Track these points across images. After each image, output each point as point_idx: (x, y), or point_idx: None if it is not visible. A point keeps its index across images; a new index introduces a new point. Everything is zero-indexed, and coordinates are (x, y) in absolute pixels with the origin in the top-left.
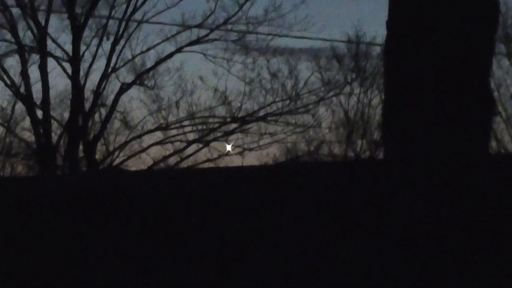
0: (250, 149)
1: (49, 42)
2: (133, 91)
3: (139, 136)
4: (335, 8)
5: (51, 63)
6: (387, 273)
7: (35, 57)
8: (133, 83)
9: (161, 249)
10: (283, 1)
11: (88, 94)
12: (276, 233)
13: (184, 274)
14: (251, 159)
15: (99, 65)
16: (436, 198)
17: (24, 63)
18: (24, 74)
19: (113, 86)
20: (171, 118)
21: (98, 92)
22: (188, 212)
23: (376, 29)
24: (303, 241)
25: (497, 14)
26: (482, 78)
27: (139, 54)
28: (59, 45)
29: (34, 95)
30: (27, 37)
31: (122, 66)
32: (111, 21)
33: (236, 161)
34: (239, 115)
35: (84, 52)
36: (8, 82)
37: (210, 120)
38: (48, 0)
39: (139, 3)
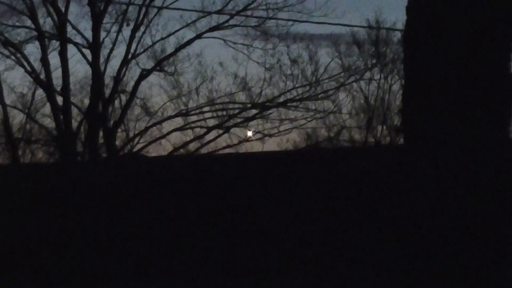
0: (270, 135)
1: (69, 28)
2: (153, 78)
3: (159, 122)
4: None
5: (71, 49)
6: (403, 255)
7: (55, 44)
8: (153, 69)
9: (182, 234)
10: None
11: (108, 80)
12: (297, 217)
13: (200, 256)
14: (271, 145)
15: (119, 52)
16: (456, 183)
17: (44, 49)
18: (44, 60)
19: (133, 72)
20: (191, 104)
21: (118, 79)
22: (208, 197)
23: (396, 14)
24: (323, 224)
25: None
26: (502, 62)
27: (159, 40)
28: (79, 32)
29: (54, 82)
30: (47, 23)
31: (142, 52)
32: (131, 7)
33: (256, 147)
34: (259, 101)
35: (104, 39)
36: (29, 68)
37: (230, 106)
38: None
39: None
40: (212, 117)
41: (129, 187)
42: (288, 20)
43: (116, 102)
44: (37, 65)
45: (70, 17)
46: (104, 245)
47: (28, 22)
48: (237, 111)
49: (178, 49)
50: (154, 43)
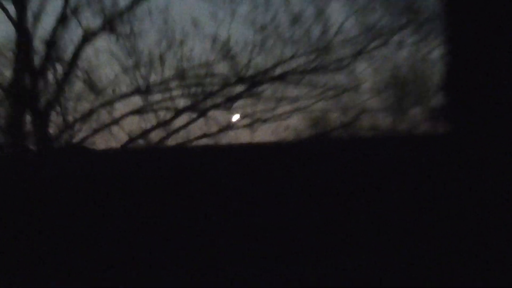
0: (263, 120)
1: None
2: (101, 42)
3: (110, 103)
4: None
5: None
6: (436, 254)
7: None
8: (100, 30)
9: (138, 242)
10: None
11: (39, 45)
12: (296, 229)
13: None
14: (264, 134)
15: (55, 7)
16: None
17: None
18: None
19: (74, 34)
20: (154, 79)
21: (52, 43)
22: (176, 201)
23: None
24: (329, 240)
25: None
26: None
27: None
28: None
29: None
30: None
31: (86, 7)
32: None
33: (244, 137)
34: (248, 74)
35: None
36: None
37: (208, 80)
38: None
39: None
40: (183, 96)
41: (66, 188)
42: None
43: (50, 74)
44: None
45: None
46: (31, 253)
47: None
48: (216, 87)
49: (135, 2)
50: None
